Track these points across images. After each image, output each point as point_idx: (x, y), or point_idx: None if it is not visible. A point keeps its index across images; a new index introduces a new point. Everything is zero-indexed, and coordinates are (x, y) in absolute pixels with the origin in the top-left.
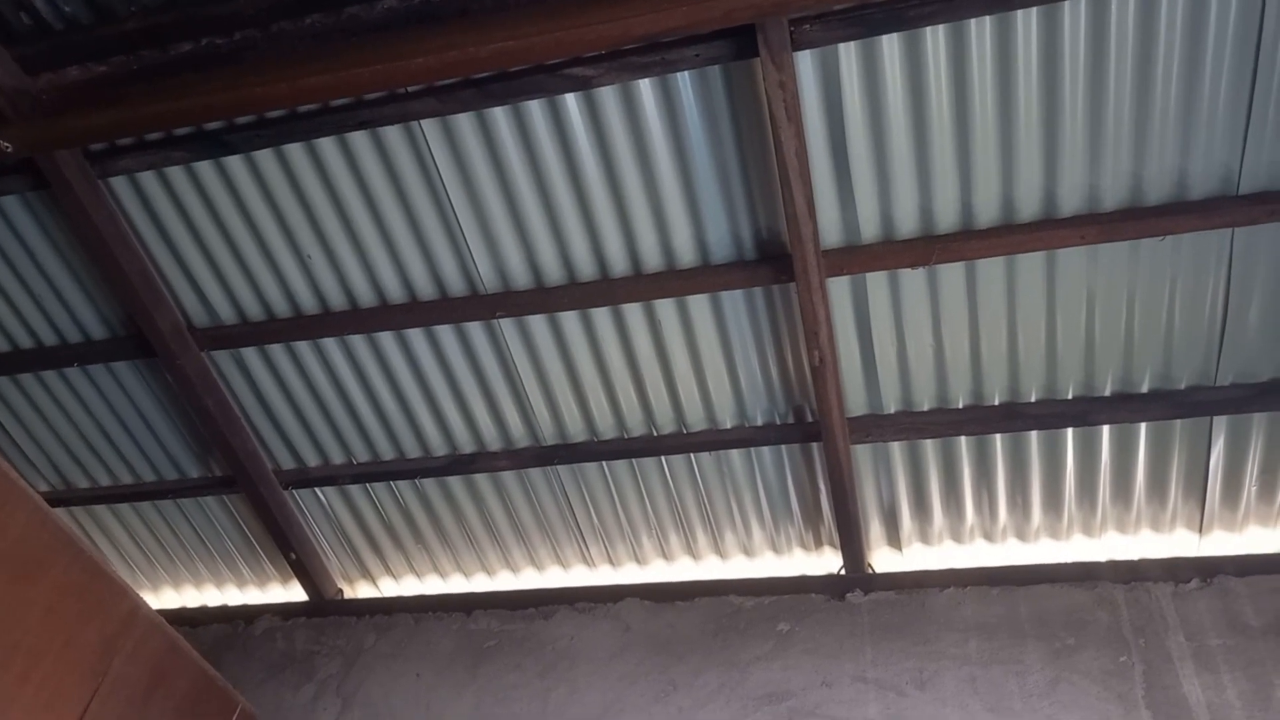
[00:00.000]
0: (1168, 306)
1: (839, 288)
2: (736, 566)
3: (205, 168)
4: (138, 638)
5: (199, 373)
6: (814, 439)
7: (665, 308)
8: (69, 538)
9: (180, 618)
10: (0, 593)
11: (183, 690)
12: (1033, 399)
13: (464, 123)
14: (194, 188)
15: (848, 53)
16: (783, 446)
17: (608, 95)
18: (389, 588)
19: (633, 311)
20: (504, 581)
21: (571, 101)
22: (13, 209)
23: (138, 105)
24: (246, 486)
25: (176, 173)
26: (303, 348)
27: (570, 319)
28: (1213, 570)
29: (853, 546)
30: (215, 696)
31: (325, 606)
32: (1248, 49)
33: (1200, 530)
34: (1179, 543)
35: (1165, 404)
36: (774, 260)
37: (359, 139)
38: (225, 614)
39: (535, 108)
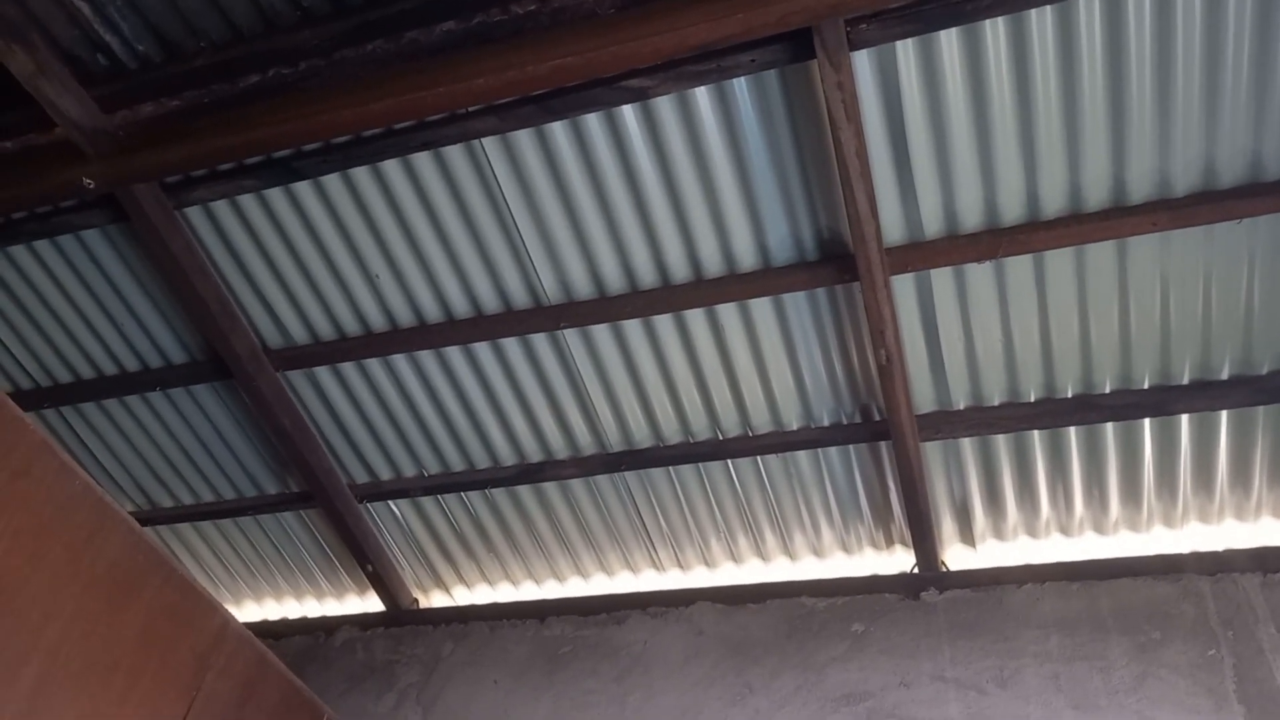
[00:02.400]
0: (1245, 291)
1: (903, 285)
2: (807, 568)
3: (275, 194)
4: (229, 653)
5: (275, 393)
6: (882, 438)
7: (728, 312)
8: (161, 557)
9: (262, 630)
10: (98, 615)
11: (272, 703)
12: (1107, 390)
13: (524, 139)
14: (265, 214)
15: (905, 50)
16: (850, 446)
17: (664, 105)
18: (463, 596)
19: (695, 317)
20: (575, 588)
21: (629, 113)
22: (94, 242)
23: (209, 138)
24: (323, 501)
25: (248, 200)
26: (373, 365)
27: (633, 327)
28: None
29: (925, 544)
30: (303, 708)
31: (402, 616)
32: None
33: None
34: (1266, 531)
35: (1247, 390)
36: (836, 260)
37: (422, 159)
38: (306, 626)
39: (593, 121)
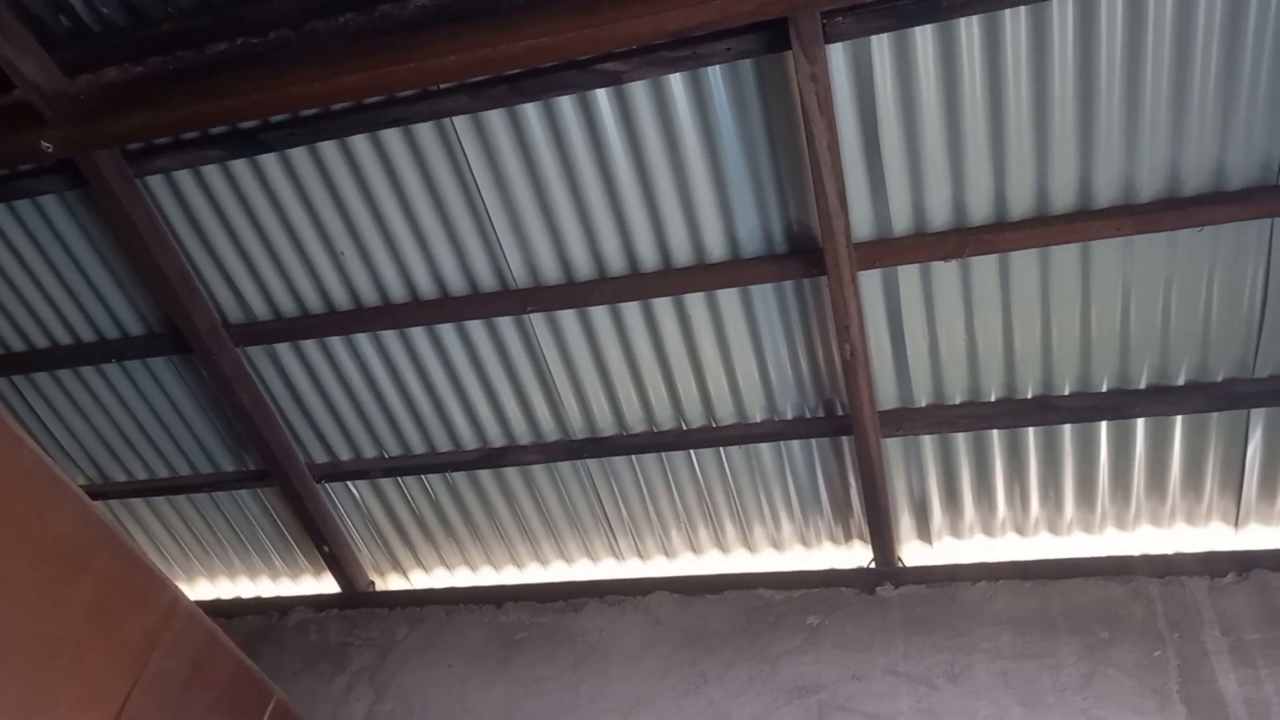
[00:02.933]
0: (1205, 298)
1: (870, 281)
2: (766, 560)
3: (240, 166)
4: (178, 630)
5: (234, 368)
6: (844, 433)
7: (695, 302)
8: (111, 532)
9: (215, 609)
10: (46, 588)
11: (221, 682)
12: (1066, 392)
13: (496, 119)
14: (229, 186)
15: (880, 45)
16: (813, 440)
17: (638, 90)
18: (420, 580)
19: (663, 306)
20: (533, 574)
21: (602, 97)
22: (52, 208)
23: (174, 105)
24: (280, 480)
25: (212, 171)
26: (336, 343)
27: (600, 313)
28: (1249, 564)
29: (883, 540)
30: (252, 688)
31: (358, 598)
32: None
33: (1236, 524)
34: (1215, 536)
35: (1202, 396)
36: (805, 254)
37: (392, 136)
38: (259, 606)
39: (566, 103)
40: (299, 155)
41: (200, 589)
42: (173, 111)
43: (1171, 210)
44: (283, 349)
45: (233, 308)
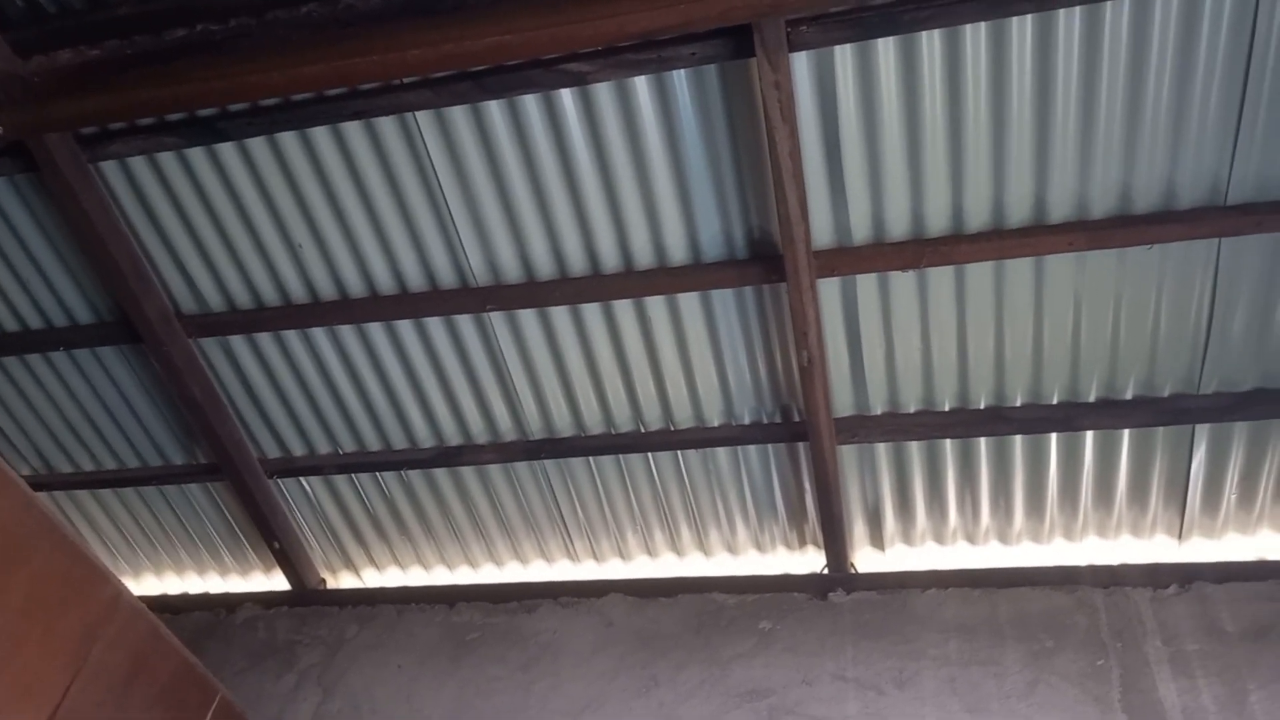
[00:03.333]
0: (1153, 314)
1: (829, 289)
2: (720, 564)
3: (197, 154)
4: (119, 625)
5: (186, 360)
6: (800, 438)
7: (656, 305)
8: (53, 524)
9: (162, 605)
10: None
11: (163, 678)
12: (1018, 403)
13: (459, 115)
14: (185, 174)
15: (843, 55)
16: (769, 445)
17: (603, 92)
18: (372, 578)
19: (623, 308)
20: (488, 574)
21: (566, 97)
22: (1, 192)
23: (130, 90)
24: (231, 475)
25: (168, 159)
26: (291, 337)
27: (560, 314)
28: (1191, 576)
29: (836, 546)
30: (196, 685)
31: (308, 596)
32: (1238, 62)
33: (1180, 536)
34: (1159, 548)
35: (1148, 411)
36: (765, 260)
37: (353, 129)
38: (207, 602)
39: (530, 102)
40: (257, 145)
41: (147, 584)
42: (128, 96)
43: (1122, 227)
44: (236, 341)
45: (186, 298)
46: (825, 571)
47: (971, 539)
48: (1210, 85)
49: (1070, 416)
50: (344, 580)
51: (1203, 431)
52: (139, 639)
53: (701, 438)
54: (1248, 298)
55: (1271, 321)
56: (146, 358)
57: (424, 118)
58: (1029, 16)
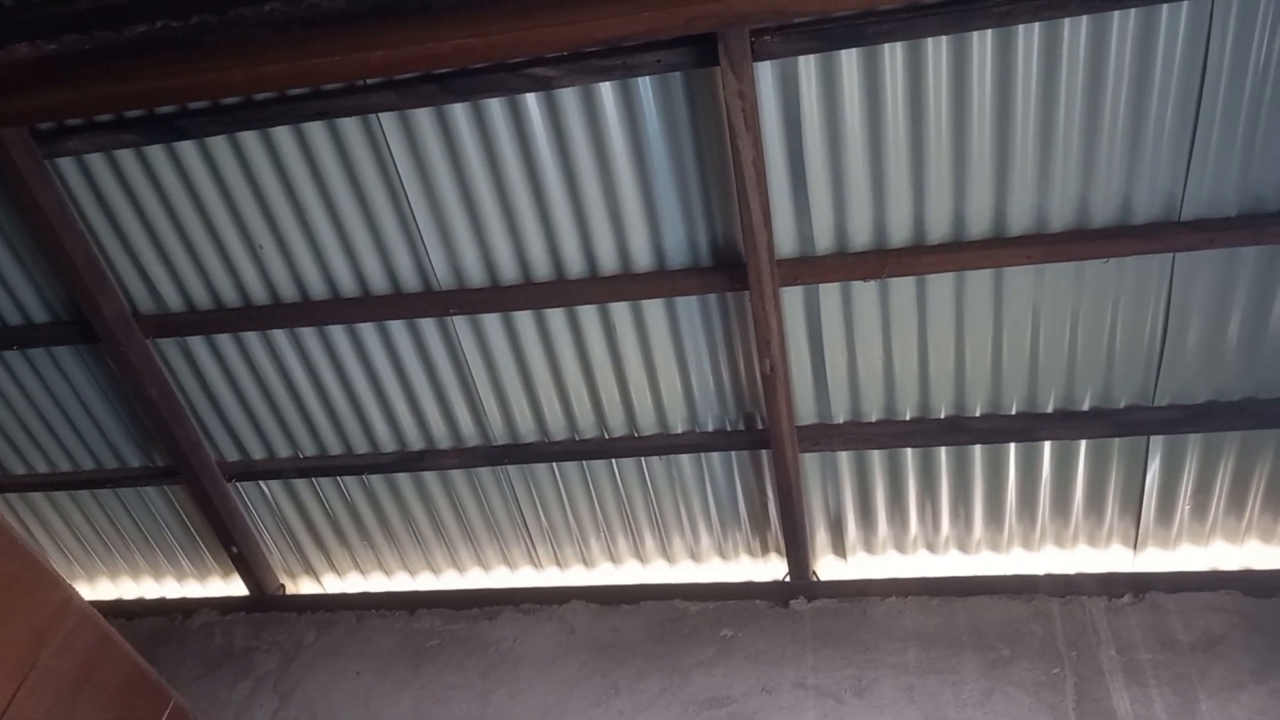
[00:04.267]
0: (1110, 327)
1: (792, 297)
2: (683, 571)
3: (156, 152)
4: (69, 630)
5: (143, 360)
6: (763, 446)
7: (620, 311)
8: (1, 525)
9: (116, 610)
10: None
11: (114, 685)
12: (977, 413)
13: (423, 118)
14: (144, 172)
15: (807, 66)
16: (732, 453)
17: (568, 97)
18: (332, 584)
19: (588, 313)
20: (449, 581)
21: (532, 101)
22: None
23: (89, 86)
24: (189, 478)
25: (126, 156)
26: (251, 338)
27: (524, 319)
28: (1145, 586)
29: (798, 554)
30: (148, 691)
31: (266, 602)
32: (1192, 82)
33: (1135, 547)
34: (1114, 558)
35: (1105, 422)
36: (729, 268)
37: (315, 129)
38: (163, 607)
39: (495, 106)
40: (218, 144)
41: (102, 589)
42: (86, 92)
43: (1080, 241)
44: (195, 342)
45: (144, 297)
46: (787, 579)
47: (932, 548)
48: (1165, 104)
49: (1028, 427)
50: (303, 586)
51: (1157, 443)
52: (89, 645)
53: (665, 444)
54: (1201, 312)
55: (1224, 336)
56: (103, 358)
57: (388, 119)
58: (989, 32)
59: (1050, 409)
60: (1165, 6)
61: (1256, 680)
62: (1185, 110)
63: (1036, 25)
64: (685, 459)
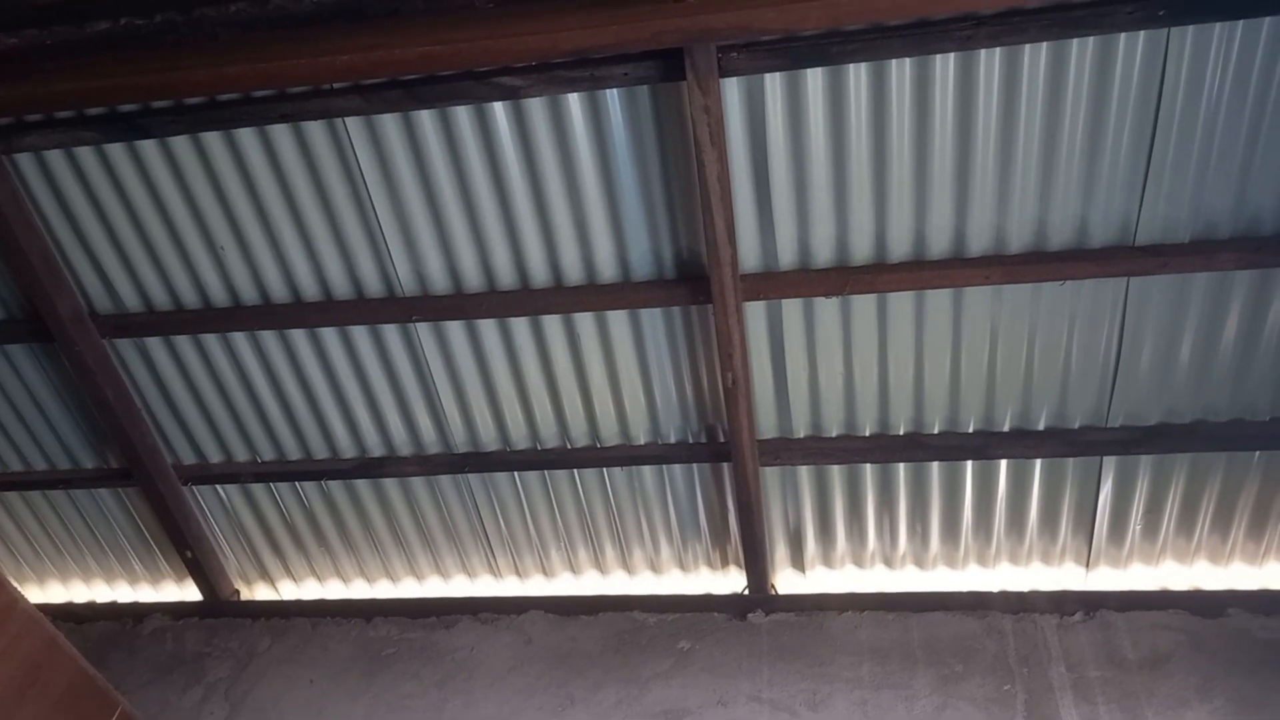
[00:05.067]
0: (1065, 348)
1: (755, 312)
2: (643, 582)
3: (117, 150)
4: (13, 634)
5: (99, 361)
6: (724, 459)
7: (584, 321)
8: None
9: (66, 613)
10: None
11: (59, 690)
12: (936, 431)
13: (389, 123)
14: (104, 170)
15: (773, 83)
16: (694, 465)
17: (536, 106)
18: (288, 590)
19: (551, 323)
20: (408, 589)
21: (499, 110)
22: None
23: (49, 81)
24: (143, 481)
25: (86, 153)
26: (210, 341)
27: (488, 327)
28: (1096, 604)
29: (757, 567)
30: (94, 697)
31: (220, 607)
32: (1148, 110)
33: (1087, 565)
34: (1067, 576)
35: (1059, 441)
36: (693, 281)
37: (280, 132)
38: (114, 611)
39: (462, 113)
40: (180, 144)
41: (52, 591)
42: (46, 87)
43: (1037, 263)
44: (153, 343)
45: (101, 297)
46: (746, 592)
47: (889, 563)
48: (1122, 130)
49: (985, 445)
50: (259, 592)
51: (1110, 464)
52: (34, 649)
53: (627, 455)
54: (1153, 336)
55: (1175, 359)
56: (58, 357)
57: (353, 124)
58: (951, 55)
59: (1007, 428)
60: (1123, 36)
61: (1201, 698)
62: (1141, 137)
63: (997, 50)
64: (647, 470)
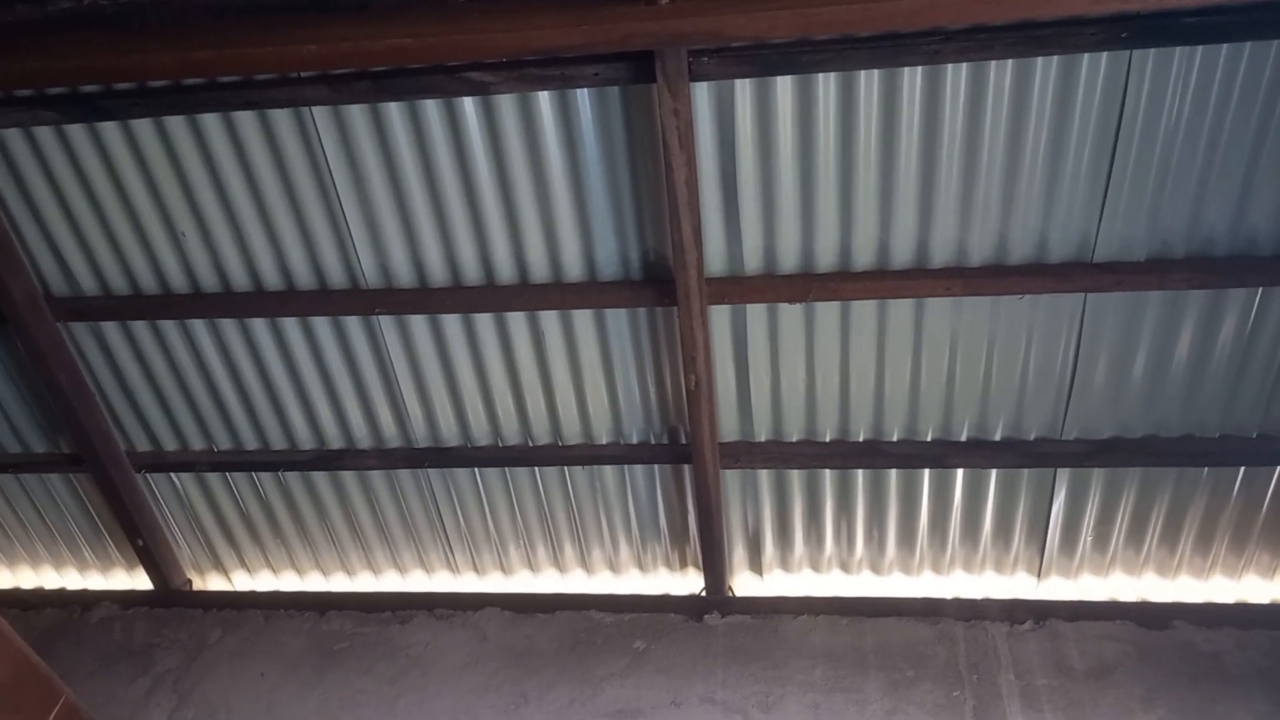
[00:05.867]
0: (1023, 361)
1: (720, 315)
2: (601, 582)
3: (77, 131)
4: None
5: (53, 344)
6: (685, 461)
7: (549, 319)
8: None
9: (13, 600)
10: None
11: (1, 679)
12: (894, 438)
13: (357, 114)
14: (63, 151)
15: (743, 89)
16: (655, 466)
17: (506, 103)
18: (242, 582)
19: (516, 320)
20: (364, 582)
21: (469, 105)
22: None
23: (8, 59)
24: (95, 467)
25: (45, 133)
26: (169, 327)
27: (452, 322)
28: (1046, 613)
29: (715, 569)
30: (36, 686)
31: (171, 597)
32: (1109, 130)
33: (1039, 575)
34: (1019, 585)
35: (1014, 453)
36: (659, 283)
37: (245, 119)
38: (62, 598)
39: (431, 107)
40: (143, 127)
41: None
42: (6, 66)
43: (997, 277)
44: (109, 328)
45: (57, 279)
46: (703, 594)
47: (846, 568)
48: (1083, 149)
49: (942, 454)
50: (211, 582)
51: (1063, 475)
52: None
53: (589, 454)
54: (1108, 351)
55: (1129, 375)
56: (11, 340)
57: (320, 113)
58: (919, 69)
59: (964, 437)
60: (1086, 57)
61: (1145, 708)
62: (1101, 156)
63: (964, 66)
64: (609, 470)
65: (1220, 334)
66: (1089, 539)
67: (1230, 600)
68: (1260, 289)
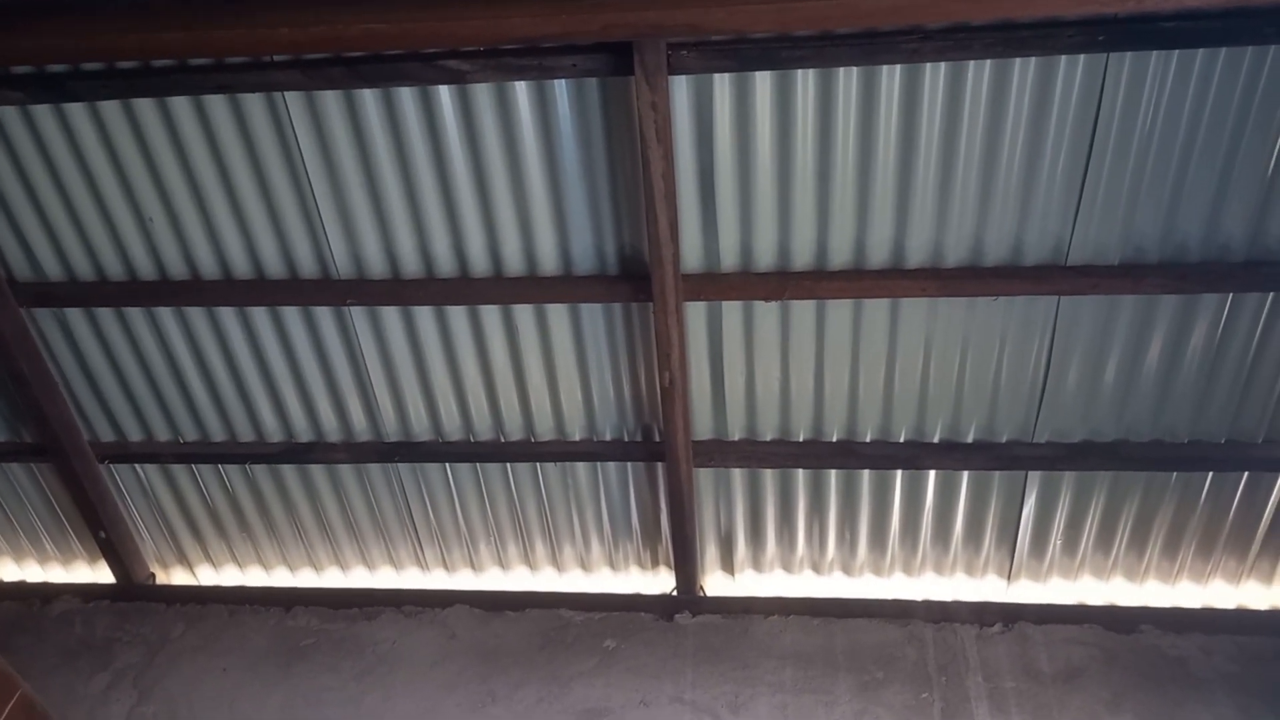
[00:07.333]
0: (996, 363)
1: (695, 312)
2: (572, 580)
3: (43, 112)
4: None
5: (15, 331)
6: (659, 459)
7: (524, 313)
8: None
9: None
10: None
11: None
12: (868, 439)
13: (330, 100)
14: (28, 132)
15: (722, 84)
16: (628, 463)
17: (482, 92)
18: (206, 576)
19: (490, 313)
20: (331, 578)
21: (445, 94)
22: None
23: None
24: (58, 457)
25: (9, 113)
26: (135, 315)
27: (425, 314)
28: (1015, 616)
29: (687, 568)
30: None
31: (134, 591)
32: (1084, 134)
33: (1009, 578)
34: (989, 588)
35: (986, 455)
36: (634, 279)
37: (216, 103)
38: (21, 591)
39: (406, 95)
40: (110, 109)
41: None
42: None
43: (972, 278)
44: (74, 315)
45: (20, 264)
46: (674, 593)
47: (818, 568)
48: (1059, 152)
49: (915, 456)
50: (175, 576)
51: (1034, 479)
52: None
53: (562, 451)
54: (1081, 355)
55: (1101, 379)
56: None
57: (293, 99)
58: (898, 68)
59: (937, 439)
60: (1063, 59)
61: (1111, 712)
62: (1077, 160)
63: (943, 65)
64: (581, 467)
65: (1191, 340)
66: (1059, 542)
67: (1197, 605)
68: (1231, 295)
